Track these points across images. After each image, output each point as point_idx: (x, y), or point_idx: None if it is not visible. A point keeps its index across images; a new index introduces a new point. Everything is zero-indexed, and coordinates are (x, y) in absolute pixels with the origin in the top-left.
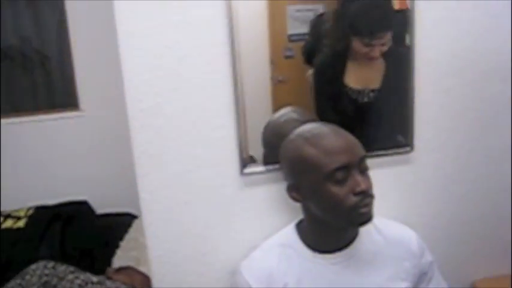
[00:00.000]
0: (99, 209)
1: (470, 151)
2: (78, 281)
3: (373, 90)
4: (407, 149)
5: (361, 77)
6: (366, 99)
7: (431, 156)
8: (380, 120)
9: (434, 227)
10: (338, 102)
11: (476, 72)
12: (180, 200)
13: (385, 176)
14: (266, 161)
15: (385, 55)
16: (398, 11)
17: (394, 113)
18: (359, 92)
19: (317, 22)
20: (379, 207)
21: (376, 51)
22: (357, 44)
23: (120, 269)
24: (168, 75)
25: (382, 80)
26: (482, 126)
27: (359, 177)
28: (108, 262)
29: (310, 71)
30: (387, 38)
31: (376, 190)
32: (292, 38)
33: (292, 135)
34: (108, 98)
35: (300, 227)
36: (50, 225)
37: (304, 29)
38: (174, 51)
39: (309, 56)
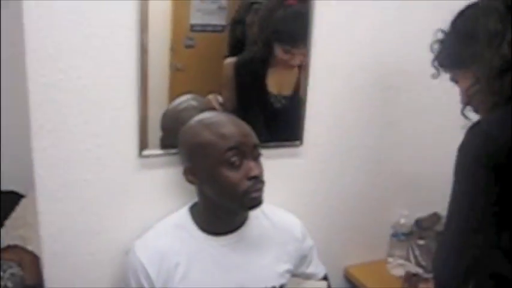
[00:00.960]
0: None
1: (352, 148)
2: None
3: (285, 97)
4: (297, 143)
5: (278, 83)
6: (279, 105)
7: (318, 150)
8: (273, 116)
9: (317, 215)
10: (257, 102)
11: (363, 77)
12: (76, 178)
13: (276, 167)
14: (164, 145)
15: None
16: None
17: (288, 110)
18: (275, 97)
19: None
20: (269, 195)
21: (296, 60)
22: (278, 51)
23: (8, 248)
24: (73, 51)
25: (294, 87)
26: (363, 126)
27: (252, 164)
28: None
29: (228, 60)
30: (304, 48)
31: (267, 180)
32: (194, 28)
33: (191, 122)
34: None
35: (193, 210)
36: None
37: (206, 20)
38: (81, 29)
39: (233, 48)
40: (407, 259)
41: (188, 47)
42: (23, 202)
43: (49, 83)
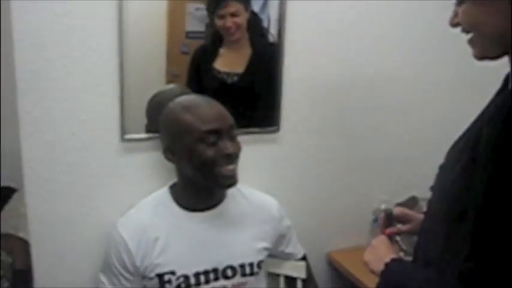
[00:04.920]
0: None
1: (330, 135)
2: None
3: (237, 74)
4: (275, 128)
5: (228, 62)
6: (230, 81)
7: (296, 137)
8: (248, 101)
9: (295, 200)
10: (208, 82)
11: (341, 64)
12: (61, 161)
13: (255, 151)
14: (148, 131)
15: (252, 44)
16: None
17: (262, 96)
18: (226, 74)
19: None
20: (248, 180)
21: (229, 22)
22: (216, 21)
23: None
24: (58, 41)
25: (247, 66)
26: (341, 113)
27: (228, 143)
28: None
29: None
30: (236, 8)
31: (246, 164)
32: (190, 35)
33: (171, 104)
34: None
35: (173, 189)
36: None
37: (202, 27)
38: (66, 20)
39: None
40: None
41: (184, 53)
42: (16, 195)
43: (35, 71)
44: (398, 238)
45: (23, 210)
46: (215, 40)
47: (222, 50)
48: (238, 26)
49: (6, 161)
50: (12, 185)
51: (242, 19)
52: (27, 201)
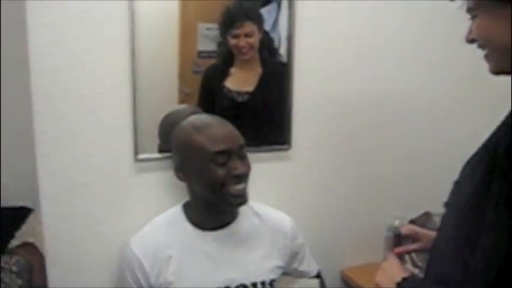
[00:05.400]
0: None
1: (342, 151)
2: None
3: (248, 93)
4: (286, 146)
5: (239, 80)
6: (240, 99)
7: (308, 154)
8: (259, 119)
9: (308, 217)
10: (219, 100)
11: (351, 80)
12: (77, 181)
13: (267, 169)
14: (161, 150)
15: (262, 63)
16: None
17: (273, 114)
18: (237, 92)
19: None
20: (260, 196)
21: (242, 42)
22: (229, 40)
23: (22, 245)
24: (72, 64)
25: (257, 84)
26: (353, 129)
27: (238, 163)
28: (1, 250)
29: None
30: (250, 29)
31: (259, 181)
32: (201, 55)
33: (182, 124)
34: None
35: (186, 207)
36: None
37: (213, 46)
38: (79, 44)
39: None
40: (404, 260)
41: (196, 72)
42: (33, 215)
43: (51, 94)
44: (413, 255)
45: (39, 229)
46: (227, 59)
47: (233, 69)
48: (251, 46)
49: (22, 180)
50: (28, 204)
51: (255, 39)
52: (43, 221)
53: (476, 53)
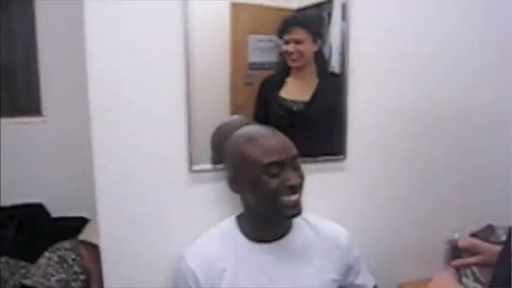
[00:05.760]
0: (55, 213)
1: (398, 162)
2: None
3: (303, 102)
4: (341, 157)
5: (294, 90)
6: (295, 109)
7: (363, 165)
8: (314, 129)
9: (364, 230)
10: (274, 110)
11: (408, 90)
12: (132, 192)
13: (322, 180)
14: (213, 162)
15: (318, 73)
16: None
17: (328, 124)
18: (292, 101)
19: None
20: (315, 208)
21: (290, 48)
22: (282, 46)
23: (89, 244)
24: (129, 77)
25: (313, 94)
26: (409, 140)
27: (291, 173)
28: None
29: None
30: (300, 35)
31: (313, 193)
32: (252, 66)
33: (235, 135)
34: (70, 105)
35: (239, 219)
36: (3, 226)
37: (264, 58)
38: (136, 57)
39: None
40: (465, 275)
41: (248, 84)
42: (88, 225)
43: (107, 106)
44: (475, 270)
45: (95, 240)
46: (283, 69)
47: (288, 79)
48: (301, 54)
49: (81, 191)
50: (84, 215)
51: (306, 48)
52: (100, 231)
53: None
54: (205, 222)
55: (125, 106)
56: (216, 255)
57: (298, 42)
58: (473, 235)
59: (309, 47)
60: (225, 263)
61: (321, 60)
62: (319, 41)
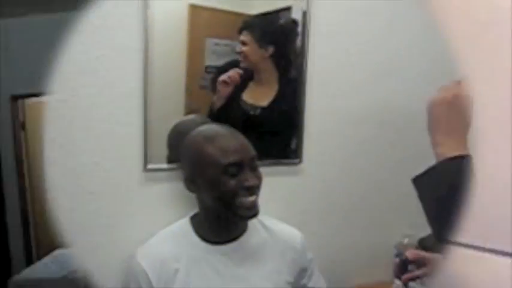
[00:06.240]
0: None
1: (353, 168)
2: None
3: (261, 107)
4: (297, 161)
5: (254, 95)
6: (252, 113)
7: (318, 169)
8: (270, 133)
9: (317, 233)
10: (233, 110)
11: (364, 96)
12: (84, 190)
13: (277, 183)
14: (169, 161)
15: (279, 80)
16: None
17: (284, 128)
18: (250, 105)
19: None
20: (269, 210)
21: (238, 48)
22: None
23: None
24: (84, 71)
25: (272, 101)
26: (364, 146)
27: (249, 174)
28: None
29: None
30: (245, 38)
31: (268, 196)
32: (209, 70)
33: (193, 133)
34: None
35: (194, 219)
36: None
37: (221, 61)
38: (93, 52)
39: None
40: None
41: (203, 87)
42: None
43: (61, 100)
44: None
45: None
46: (248, 73)
47: (251, 83)
48: (245, 55)
49: None
50: None
51: (250, 50)
52: None
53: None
54: (160, 222)
55: (79, 101)
56: (168, 256)
57: (243, 43)
58: (421, 241)
59: (252, 50)
60: (178, 264)
61: (281, 66)
62: (270, 47)
